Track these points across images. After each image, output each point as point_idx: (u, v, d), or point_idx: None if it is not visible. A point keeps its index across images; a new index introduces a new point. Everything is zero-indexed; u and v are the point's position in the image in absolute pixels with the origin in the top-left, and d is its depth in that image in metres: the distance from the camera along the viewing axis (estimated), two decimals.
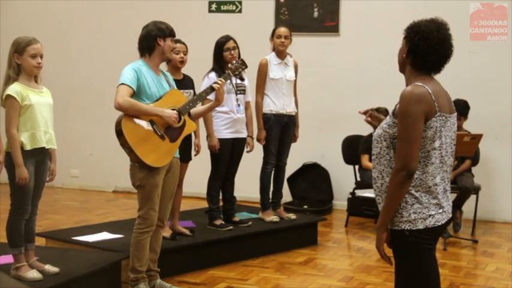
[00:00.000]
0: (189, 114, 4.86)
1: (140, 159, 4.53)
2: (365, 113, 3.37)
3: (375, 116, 3.34)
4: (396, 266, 3.04)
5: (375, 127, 3.28)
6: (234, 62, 5.30)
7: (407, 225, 2.93)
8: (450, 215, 3.04)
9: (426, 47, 2.94)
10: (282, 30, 6.47)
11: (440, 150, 2.95)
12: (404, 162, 2.85)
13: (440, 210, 2.97)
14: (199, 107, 5.13)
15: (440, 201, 2.98)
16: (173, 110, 4.65)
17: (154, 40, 4.67)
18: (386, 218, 2.96)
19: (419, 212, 2.93)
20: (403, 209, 2.94)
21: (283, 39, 6.40)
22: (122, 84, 4.53)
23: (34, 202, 4.46)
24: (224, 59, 5.98)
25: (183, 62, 5.68)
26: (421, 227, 2.93)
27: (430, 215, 2.94)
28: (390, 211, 2.94)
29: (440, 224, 2.97)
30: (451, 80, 7.11)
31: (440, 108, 2.92)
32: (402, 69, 3.08)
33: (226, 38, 6.06)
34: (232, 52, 5.99)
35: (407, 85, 3.00)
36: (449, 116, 2.98)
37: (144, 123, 4.56)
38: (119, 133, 4.52)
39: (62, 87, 8.92)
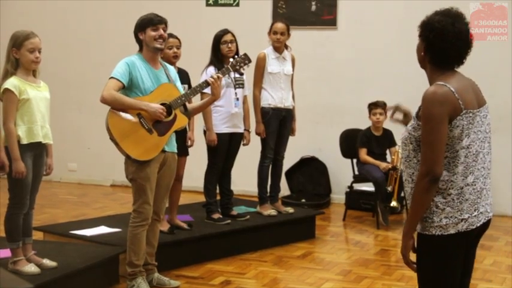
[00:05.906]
0: (186, 109, 4.83)
1: (125, 153, 4.54)
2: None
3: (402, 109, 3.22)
4: (420, 271, 2.90)
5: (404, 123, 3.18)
6: (237, 56, 5.14)
7: (438, 231, 2.79)
8: (490, 215, 2.86)
9: (443, 44, 2.79)
10: (279, 26, 6.37)
11: (469, 148, 2.78)
12: (428, 167, 2.72)
13: (475, 213, 2.80)
14: (196, 102, 5.10)
15: (475, 202, 2.80)
16: (163, 104, 4.61)
17: (136, 36, 4.70)
18: (412, 224, 2.83)
19: (451, 217, 2.78)
20: (433, 214, 2.79)
21: (279, 36, 6.34)
22: (111, 78, 4.54)
23: (32, 196, 4.45)
24: (221, 52, 5.95)
25: (176, 57, 5.62)
26: (452, 232, 2.78)
27: (462, 219, 2.78)
28: (416, 217, 2.81)
29: (474, 227, 2.80)
30: None
31: (466, 105, 2.76)
32: (423, 66, 2.94)
33: (224, 32, 6.03)
34: (230, 45, 5.95)
35: (430, 83, 2.86)
36: (478, 111, 2.81)
37: (130, 117, 4.56)
38: (107, 127, 4.54)
39: (60, 80, 8.90)
